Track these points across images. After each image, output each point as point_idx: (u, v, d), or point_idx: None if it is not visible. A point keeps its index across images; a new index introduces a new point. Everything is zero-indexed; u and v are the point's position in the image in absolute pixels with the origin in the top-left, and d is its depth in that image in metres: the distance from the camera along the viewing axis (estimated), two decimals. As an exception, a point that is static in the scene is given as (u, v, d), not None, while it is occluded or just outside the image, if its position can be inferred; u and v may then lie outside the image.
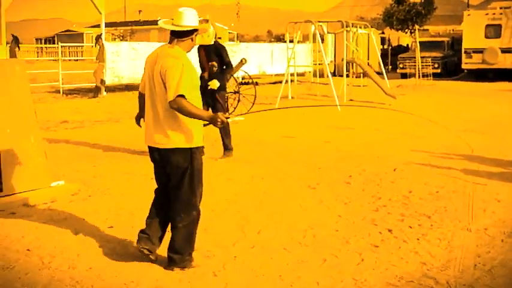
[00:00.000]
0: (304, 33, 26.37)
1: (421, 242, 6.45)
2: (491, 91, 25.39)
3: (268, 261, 5.89)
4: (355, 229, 6.91)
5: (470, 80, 30.87)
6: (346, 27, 23.36)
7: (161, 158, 5.58)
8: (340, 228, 6.96)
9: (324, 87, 22.83)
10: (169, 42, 5.59)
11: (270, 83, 30.23)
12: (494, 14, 31.29)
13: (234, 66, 14.88)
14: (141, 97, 5.98)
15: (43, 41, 74.93)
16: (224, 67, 10.82)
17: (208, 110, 10.11)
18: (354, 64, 23.68)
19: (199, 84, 5.77)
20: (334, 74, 24.17)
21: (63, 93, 24.64)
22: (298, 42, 23.08)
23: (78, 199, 8.10)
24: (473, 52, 31.43)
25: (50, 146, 12.02)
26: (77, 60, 47.64)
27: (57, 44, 28.92)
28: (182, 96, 5.23)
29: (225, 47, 11.04)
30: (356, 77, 25.60)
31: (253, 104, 16.95)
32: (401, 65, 34.15)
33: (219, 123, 5.39)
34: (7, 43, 21.43)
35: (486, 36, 31.01)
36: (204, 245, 6.15)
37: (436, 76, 30.86)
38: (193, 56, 10.73)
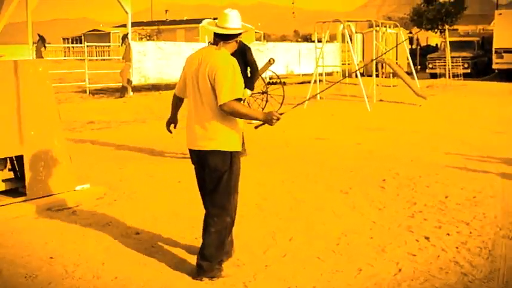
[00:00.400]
0: (331, 33, 26.01)
1: (461, 251, 6.12)
2: (523, 91, 24.86)
3: (301, 271, 5.62)
4: (390, 236, 6.61)
5: (501, 81, 30.26)
6: (376, 26, 22.99)
7: (200, 160, 5.42)
8: (375, 235, 6.66)
9: (353, 87, 22.50)
10: (214, 44, 5.41)
11: (298, 83, 29.93)
12: (526, 13, 30.68)
13: (261, 66, 14.64)
14: (176, 100, 5.81)
15: (70, 41, 75.15)
16: (249, 69, 10.48)
17: None
18: (384, 64, 23.31)
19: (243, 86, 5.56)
20: (362, 74, 23.77)
21: (89, 93, 24.58)
22: (326, 42, 22.77)
23: (103, 203, 7.89)
24: (504, 52, 30.81)
25: (76, 147, 11.89)
26: (104, 59, 47.70)
27: (83, 43, 28.90)
28: (238, 99, 5.14)
29: (250, 48, 10.75)
30: (385, 77, 25.20)
31: (281, 104, 16.70)
32: (430, 65, 33.63)
33: (274, 121, 5.28)
34: (33, 43, 21.44)
35: (518, 36, 30.40)
36: (234, 253, 5.89)
37: (466, 76, 30.31)
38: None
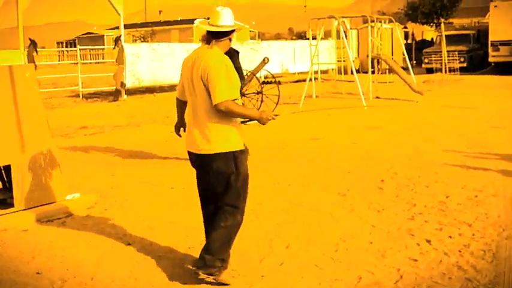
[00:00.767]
0: (326, 30, 25.79)
1: (464, 255, 5.91)
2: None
3: (299, 280, 5.40)
4: (390, 241, 6.39)
5: (498, 74, 30.02)
6: (371, 22, 22.77)
7: (203, 164, 5.30)
8: (374, 240, 6.44)
9: (349, 84, 22.30)
10: (207, 43, 5.29)
11: (293, 82, 29.74)
12: (522, 5, 30.46)
13: (256, 66, 14.41)
14: (180, 104, 5.74)
15: (64, 45, 74.89)
16: None
17: None
18: (380, 60, 23.11)
19: (240, 85, 5.42)
20: (358, 71, 23.56)
21: (83, 97, 24.35)
22: (321, 39, 22.56)
23: (94, 212, 7.66)
24: (501, 45, 30.63)
25: (68, 153, 11.67)
26: (98, 63, 47.49)
27: (77, 47, 28.69)
28: (233, 99, 5.05)
29: (238, 52, 10.50)
30: (381, 73, 24.98)
31: (276, 104, 16.48)
32: (426, 60, 33.41)
33: (267, 121, 5.29)
34: (25, 48, 21.19)
35: (514, 28, 30.19)
36: (229, 264, 5.66)
37: (462, 70, 30.07)
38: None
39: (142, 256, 6.03)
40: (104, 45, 60.37)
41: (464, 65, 31.70)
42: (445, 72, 27.31)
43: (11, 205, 7.47)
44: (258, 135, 10.56)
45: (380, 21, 24.83)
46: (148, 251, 6.12)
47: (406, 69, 24.26)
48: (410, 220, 7.07)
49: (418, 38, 48.40)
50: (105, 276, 5.54)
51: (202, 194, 5.54)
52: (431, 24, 39.30)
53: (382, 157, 10.62)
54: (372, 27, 22.91)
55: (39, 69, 22.89)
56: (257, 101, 16.04)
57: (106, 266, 5.82)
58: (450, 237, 6.43)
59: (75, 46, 48.24)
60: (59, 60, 51.81)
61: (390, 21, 26.73)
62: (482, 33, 35.13)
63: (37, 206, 7.53)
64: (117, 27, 45.70)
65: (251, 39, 51.96)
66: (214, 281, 5.22)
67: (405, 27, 45.70)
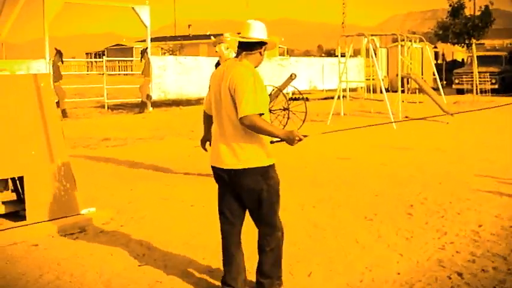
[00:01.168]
0: (355, 48, 25.48)
1: (499, 292, 5.48)
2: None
3: (321, 313, 5.03)
4: (419, 272, 5.96)
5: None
6: (401, 41, 22.38)
7: (231, 180, 5.06)
8: (402, 270, 6.02)
9: (378, 103, 21.88)
10: (237, 56, 5.13)
11: (321, 99, 29.37)
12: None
13: (282, 81, 14.05)
14: (206, 118, 5.59)
15: (93, 55, 75.27)
16: None
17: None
18: (409, 79, 22.70)
19: (268, 100, 5.09)
20: (387, 90, 23.15)
21: (108, 108, 24.21)
22: (350, 56, 22.23)
23: (108, 229, 7.34)
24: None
25: (87, 165, 11.43)
26: (126, 74, 47.51)
27: (103, 58, 28.64)
28: (260, 114, 4.84)
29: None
30: (411, 93, 24.54)
31: (303, 121, 16.15)
32: (457, 80, 32.93)
33: (296, 141, 4.95)
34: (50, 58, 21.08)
35: (548, 50, 29.63)
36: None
37: (493, 92, 29.51)
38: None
39: (154, 278, 5.68)
40: (132, 57, 60.48)
41: (496, 86, 31.13)
42: (476, 93, 26.77)
43: (24, 218, 7.21)
44: (281, 153, 10.14)
45: (410, 40, 24.45)
46: (160, 273, 5.79)
47: (436, 89, 23.81)
48: (440, 250, 6.64)
49: (449, 59, 47.85)
50: (113, 300, 5.21)
51: (222, 211, 5.28)
52: (462, 44, 38.77)
53: (412, 180, 10.20)
54: (402, 46, 22.54)
55: (65, 78, 22.81)
56: (283, 117, 15.72)
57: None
58: (483, 270, 5.99)
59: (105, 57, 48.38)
60: (87, 71, 51.97)
61: (421, 40, 26.36)
62: (515, 55, 34.61)
63: (50, 220, 7.25)
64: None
65: (280, 55, 51.73)
66: None
67: (435, 47, 45.20)
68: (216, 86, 5.07)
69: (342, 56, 22.48)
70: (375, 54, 22.26)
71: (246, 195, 5.06)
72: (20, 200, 7.59)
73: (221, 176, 5.10)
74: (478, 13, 39.88)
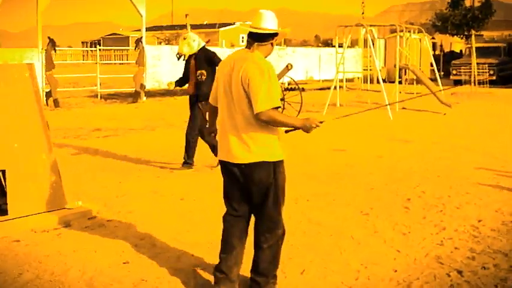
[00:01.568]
0: (352, 38, 25.19)
1: (501, 290, 5.23)
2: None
3: (313, 313, 4.76)
4: (417, 269, 5.71)
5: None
6: (399, 31, 22.10)
7: (242, 173, 4.93)
8: (399, 267, 5.76)
9: (375, 94, 21.62)
10: (248, 47, 4.96)
11: (317, 89, 29.08)
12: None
13: (279, 71, 13.74)
14: (212, 109, 5.41)
15: (89, 44, 74.77)
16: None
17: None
18: (407, 70, 22.43)
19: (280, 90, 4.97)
20: (384, 81, 22.85)
21: (101, 97, 23.90)
22: (347, 47, 21.94)
23: (94, 224, 7.05)
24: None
25: (76, 157, 11.16)
26: (122, 63, 47.16)
27: (96, 47, 28.29)
28: (276, 108, 4.73)
29: (215, 52, 9.99)
30: (409, 84, 24.26)
31: (299, 111, 15.91)
32: (454, 72, 32.69)
33: (312, 129, 4.95)
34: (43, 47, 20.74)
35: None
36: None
37: (491, 83, 29.27)
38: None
39: (139, 276, 5.41)
40: (128, 46, 60.03)
41: (494, 78, 30.91)
42: (474, 84, 26.52)
43: (6, 212, 6.92)
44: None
45: (409, 31, 24.16)
46: (147, 271, 5.52)
47: (434, 80, 23.55)
48: (439, 246, 6.39)
49: (446, 50, 47.59)
50: (95, 300, 4.94)
51: (230, 203, 5.14)
52: (461, 35, 38.51)
53: (409, 173, 9.95)
54: (400, 36, 22.27)
55: (61, 67, 22.49)
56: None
57: (97, 287, 5.21)
58: (484, 268, 5.74)
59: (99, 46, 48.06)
60: (83, 60, 51.59)
61: (419, 31, 26.08)
62: (513, 47, 34.38)
63: (33, 215, 6.96)
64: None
65: (276, 45, 51.55)
66: None
67: (433, 38, 44.92)
68: (226, 76, 4.91)
69: (339, 47, 22.19)
70: (373, 44, 21.95)
71: (255, 188, 4.94)
72: (3, 193, 7.30)
73: (231, 170, 4.96)
74: (477, 4, 39.62)
